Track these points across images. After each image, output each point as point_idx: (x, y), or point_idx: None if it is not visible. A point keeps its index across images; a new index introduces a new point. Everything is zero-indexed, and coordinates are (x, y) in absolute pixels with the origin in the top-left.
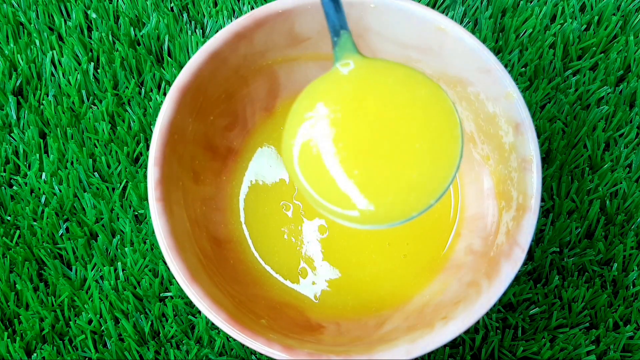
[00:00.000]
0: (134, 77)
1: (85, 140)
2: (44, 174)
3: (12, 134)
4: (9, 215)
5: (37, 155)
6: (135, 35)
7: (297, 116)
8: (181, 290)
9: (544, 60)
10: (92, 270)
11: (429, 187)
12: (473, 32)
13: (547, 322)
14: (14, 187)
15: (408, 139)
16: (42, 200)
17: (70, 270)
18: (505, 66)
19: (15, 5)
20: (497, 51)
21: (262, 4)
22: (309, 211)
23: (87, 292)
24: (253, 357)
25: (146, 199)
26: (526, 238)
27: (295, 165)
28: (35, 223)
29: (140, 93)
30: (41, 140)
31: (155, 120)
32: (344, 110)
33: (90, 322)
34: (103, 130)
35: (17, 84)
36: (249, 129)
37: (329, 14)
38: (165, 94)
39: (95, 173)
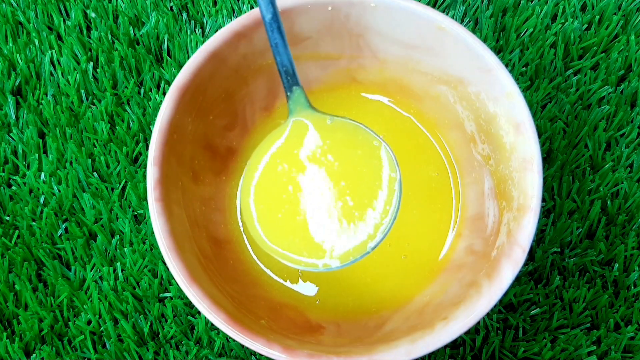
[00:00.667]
0: (133, 77)
1: (84, 140)
2: (43, 174)
3: (11, 134)
4: (8, 216)
5: (36, 155)
6: (135, 34)
7: (252, 171)
8: (180, 290)
9: (545, 60)
10: (91, 271)
11: (368, 233)
12: (474, 31)
13: (548, 322)
14: (13, 187)
15: (350, 190)
16: (41, 200)
17: (70, 270)
18: (506, 66)
19: (14, 4)
20: (497, 51)
21: None
22: None
23: (86, 293)
24: (253, 357)
25: (145, 199)
26: (527, 238)
27: (255, 221)
28: (34, 223)
29: (139, 93)
30: (40, 140)
31: (155, 119)
32: (294, 166)
33: (89, 322)
34: (102, 130)
35: (16, 83)
36: (249, 129)
37: (278, 52)
38: (164, 94)
39: (95, 173)
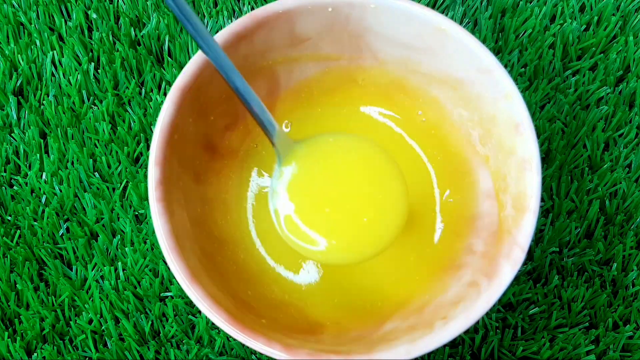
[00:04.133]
0: (134, 78)
1: (85, 140)
2: (44, 174)
3: (12, 134)
4: (10, 215)
5: (38, 155)
6: (136, 35)
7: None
8: (181, 290)
9: (544, 61)
10: (92, 270)
11: (379, 233)
12: (473, 32)
13: (546, 321)
14: (15, 187)
15: (361, 196)
16: (43, 200)
17: (71, 270)
18: (505, 66)
19: (16, 5)
20: (496, 51)
21: (263, 4)
22: None
23: (87, 292)
24: (253, 356)
25: (146, 199)
26: (526, 238)
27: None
28: (35, 223)
29: (140, 93)
30: (42, 141)
31: (156, 120)
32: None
33: (90, 321)
34: (103, 130)
35: (18, 84)
36: (250, 129)
37: (258, 115)
38: (165, 94)
39: (96, 173)
